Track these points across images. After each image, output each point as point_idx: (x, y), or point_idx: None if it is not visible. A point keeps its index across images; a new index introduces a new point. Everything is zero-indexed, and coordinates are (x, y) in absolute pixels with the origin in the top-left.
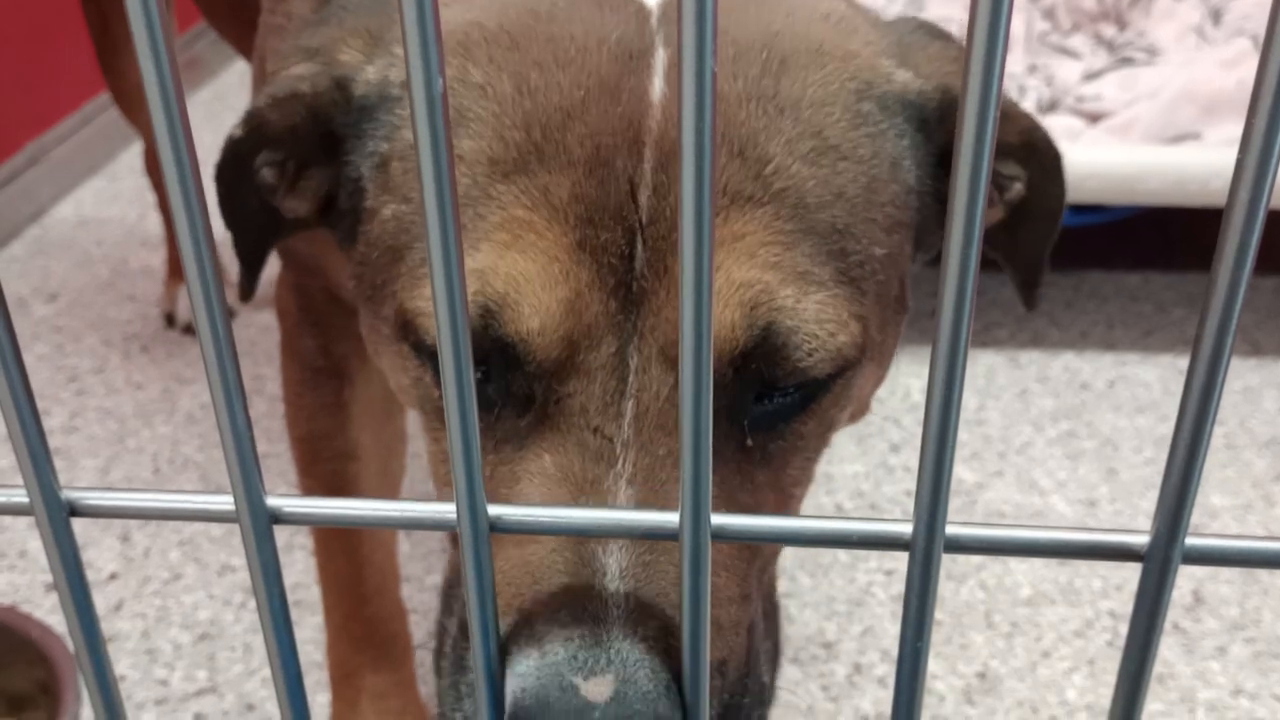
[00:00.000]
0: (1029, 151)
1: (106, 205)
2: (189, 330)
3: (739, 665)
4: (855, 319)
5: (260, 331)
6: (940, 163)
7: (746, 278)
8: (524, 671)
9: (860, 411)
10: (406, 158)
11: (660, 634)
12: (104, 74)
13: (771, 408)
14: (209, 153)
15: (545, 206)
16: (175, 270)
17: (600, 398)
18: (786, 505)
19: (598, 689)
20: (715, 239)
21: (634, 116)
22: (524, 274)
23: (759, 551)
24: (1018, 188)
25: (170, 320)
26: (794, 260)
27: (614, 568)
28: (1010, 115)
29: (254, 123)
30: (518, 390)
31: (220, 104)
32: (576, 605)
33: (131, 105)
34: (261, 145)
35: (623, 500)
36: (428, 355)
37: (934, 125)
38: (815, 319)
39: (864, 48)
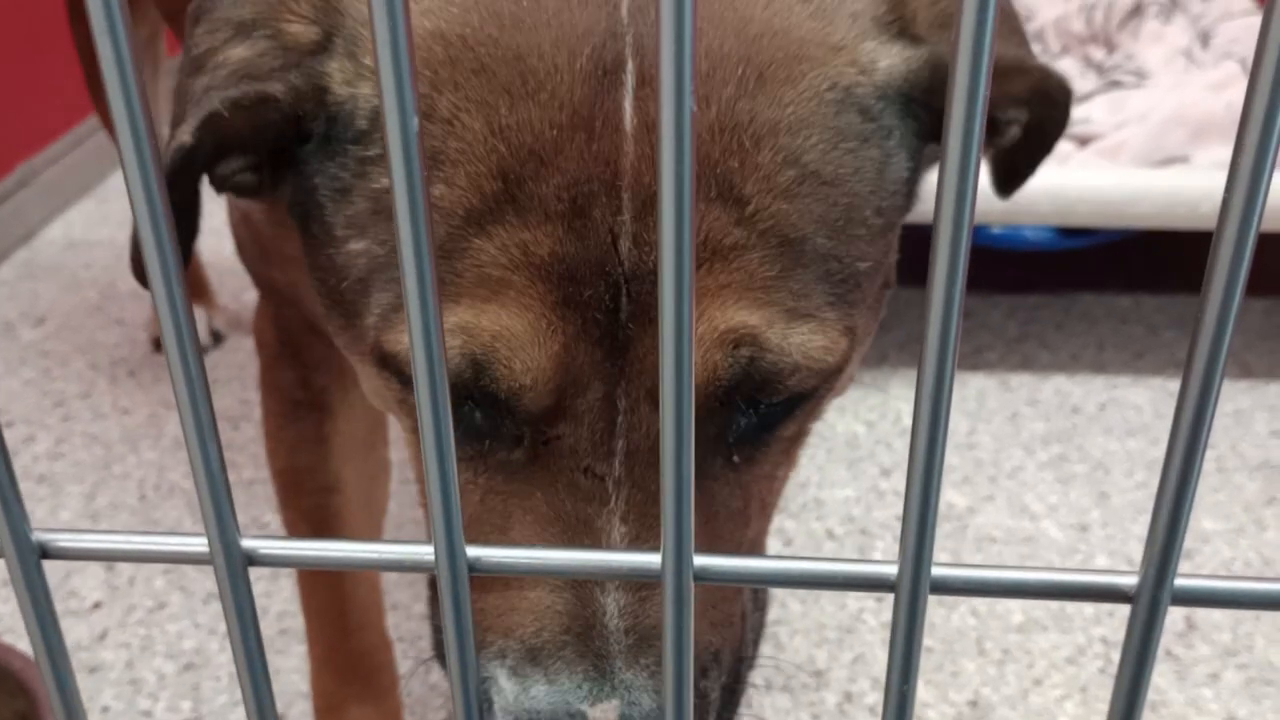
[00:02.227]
0: (1039, 98)
1: (96, 228)
2: None
3: (734, 649)
4: (844, 334)
5: (249, 356)
6: (929, 133)
7: (732, 323)
8: (535, 695)
9: (844, 387)
10: (377, 200)
11: (658, 662)
12: (92, 97)
13: (757, 421)
14: None
15: (525, 266)
16: None
17: (589, 439)
18: (773, 493)
19: (603, 713)
20: (699, 290)
21: (609, 156)
22: (510, 330)
23: (749, 541)
24: (1014, 131)
25: (158, 345)
26: (780, 299)
27: (613, 607)
28: (1020, 70)
29: (212, 127)
30: (506, 430)
31: None
32: (580, 642)
33: None
34: (221, 154)
35: (616, 537)
36: (409, 383)
37: (921, 105)
38: (801, 349)
39: (848, 32)
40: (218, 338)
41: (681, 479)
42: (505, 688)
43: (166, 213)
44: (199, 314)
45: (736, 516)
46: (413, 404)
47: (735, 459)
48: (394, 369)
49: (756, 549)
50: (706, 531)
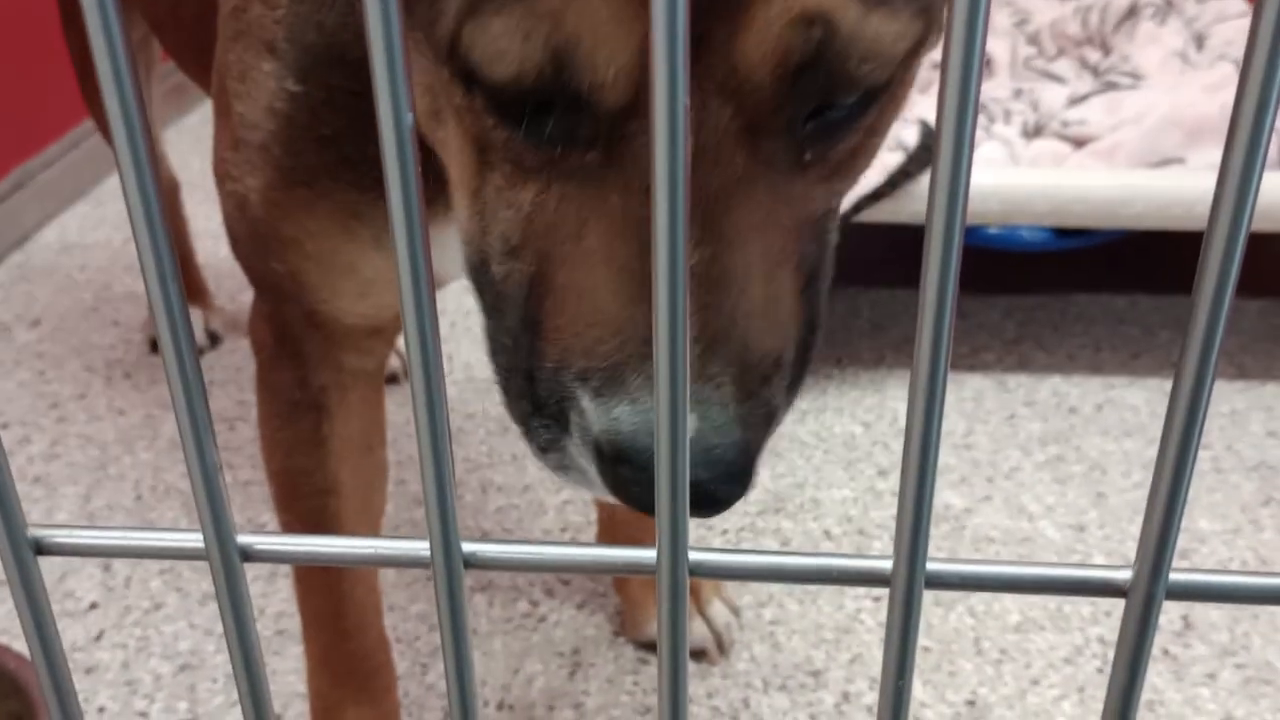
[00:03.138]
0: None
1: (91, 230)
2: None
3: (796, 348)
4: (918, 15)
5: (245, 357)
6: None
7: (806, 3)
8: (618, 416)
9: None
10: None
11: (732, 373)
12: (86, 99)
13: (830, 119)
14: (199, 177)
15: None
16: None
17: None
18: (838, 195)
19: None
20: None
21: None
22: (599, 15)
23: (807, 214)
24: None
25: (154, 346)
26: None
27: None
28: None
29: None
30: (581, 130)
31: (207, 129)
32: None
33: None
34: None
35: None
36: (480, 89)
37: None
38: (874, 35)
39: None
40: (214, 339)
41: (676, 475)
42: (589, 410)
43: (162, 214)
44: (195, 315)
45: (801, 226)
46: (478, 115)
47: (806, 156)
48: (461, 69)
49: (824, 260)
50: (765, 233)
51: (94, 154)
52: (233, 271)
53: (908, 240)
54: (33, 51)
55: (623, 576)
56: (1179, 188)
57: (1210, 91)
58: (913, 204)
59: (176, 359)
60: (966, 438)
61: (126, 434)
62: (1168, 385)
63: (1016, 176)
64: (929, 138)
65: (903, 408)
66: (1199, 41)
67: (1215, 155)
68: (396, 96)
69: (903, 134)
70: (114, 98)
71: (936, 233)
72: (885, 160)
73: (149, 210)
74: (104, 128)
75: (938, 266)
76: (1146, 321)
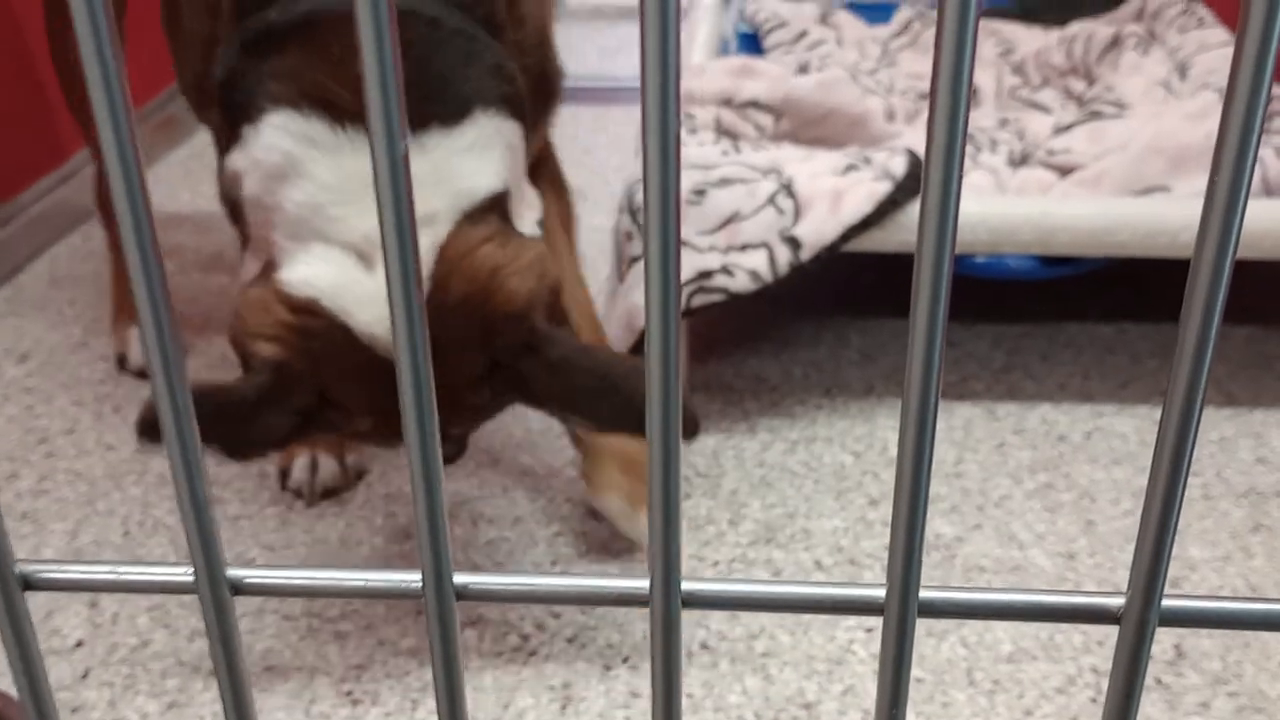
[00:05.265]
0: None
1: (80, 263)
2: (143, 374)
3: None
4: None
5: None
6: None
7: None
8: None
9: None
10: None
11: None
12: (77, 119)
13: None
14: (188, 209)
15: None
16: (123, 307)
17: None
18: None
19: None
20: None
21: None
22: None
23: None
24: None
25: (122, 363)
26: None
27: None
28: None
29: None
30: None
31: (196, 163)
32: None
33: None
34: None
35: None
36: None
37: None
38: None
39: None
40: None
41: (670, 500)
42: None
43: (153, 243)
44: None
45: None
46: None
47: None
48: None
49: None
50: None
51: (84, 187)
52: (219, 304)
53: (896, 269)
54: (21, 85)
55: (582, 431)
56: (1163, 216)
57: (1193, 120)
58: (900, 233)
59: (167, 390)
60: (956, 466)
61: (115, 469)
62: (1156, 413)
63: (1003, 205)
64: (916, 167)
65: (893, 437)
66: (1182, 71)
67: (1199, 183)
68: (390, 121)
69: (890, 163)
70: (103, 100)
71: (926, 261)
72: (873, 189)
73: (140, 231)
74: (95, 147)
75: (928, 294)
76: (1134, 349)
